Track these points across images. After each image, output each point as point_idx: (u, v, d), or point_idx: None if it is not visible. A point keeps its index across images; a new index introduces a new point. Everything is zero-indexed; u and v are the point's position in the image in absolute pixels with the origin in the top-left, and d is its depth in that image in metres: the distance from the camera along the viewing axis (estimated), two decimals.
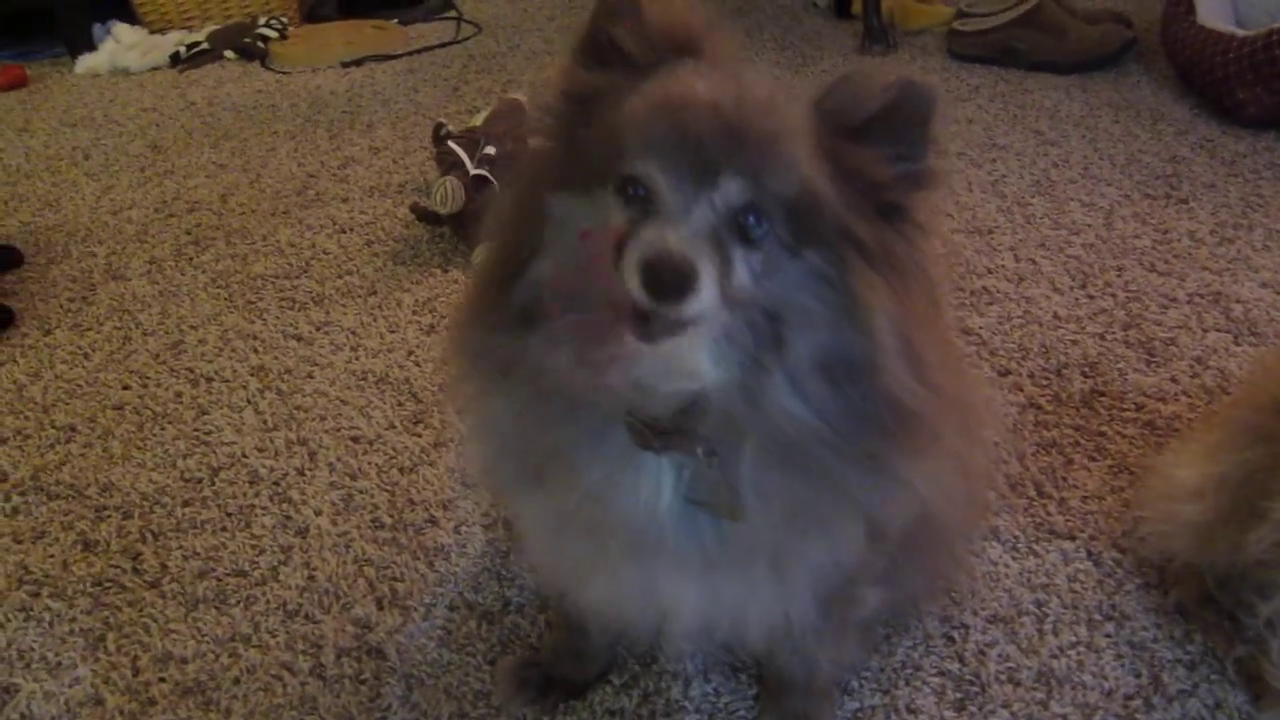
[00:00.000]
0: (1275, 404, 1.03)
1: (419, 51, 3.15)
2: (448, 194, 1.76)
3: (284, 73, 3.04)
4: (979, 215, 1.98)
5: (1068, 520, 1.26)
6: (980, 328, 1.63)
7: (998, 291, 1.72)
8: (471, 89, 2.79)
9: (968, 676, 1.07)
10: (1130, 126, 2.36)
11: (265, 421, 1.47)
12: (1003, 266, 1.80)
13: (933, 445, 0.76)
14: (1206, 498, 1.07)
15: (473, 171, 1.82)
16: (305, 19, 3.52)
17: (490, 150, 1.84)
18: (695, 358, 0.69)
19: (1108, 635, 1.11)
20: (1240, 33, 2.34)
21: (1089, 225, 1.93)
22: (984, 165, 2.18)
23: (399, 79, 2.92)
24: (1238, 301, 1.67)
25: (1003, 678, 1.06)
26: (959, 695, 1.05)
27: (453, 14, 3.48)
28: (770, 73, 0.74)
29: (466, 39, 3.26)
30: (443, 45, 3.21)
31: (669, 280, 0.61)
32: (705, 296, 0.62)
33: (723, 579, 0.81)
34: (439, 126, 2.02)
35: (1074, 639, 1.10)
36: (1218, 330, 1.60)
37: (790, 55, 2.91)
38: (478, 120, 2.09)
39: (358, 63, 3.06)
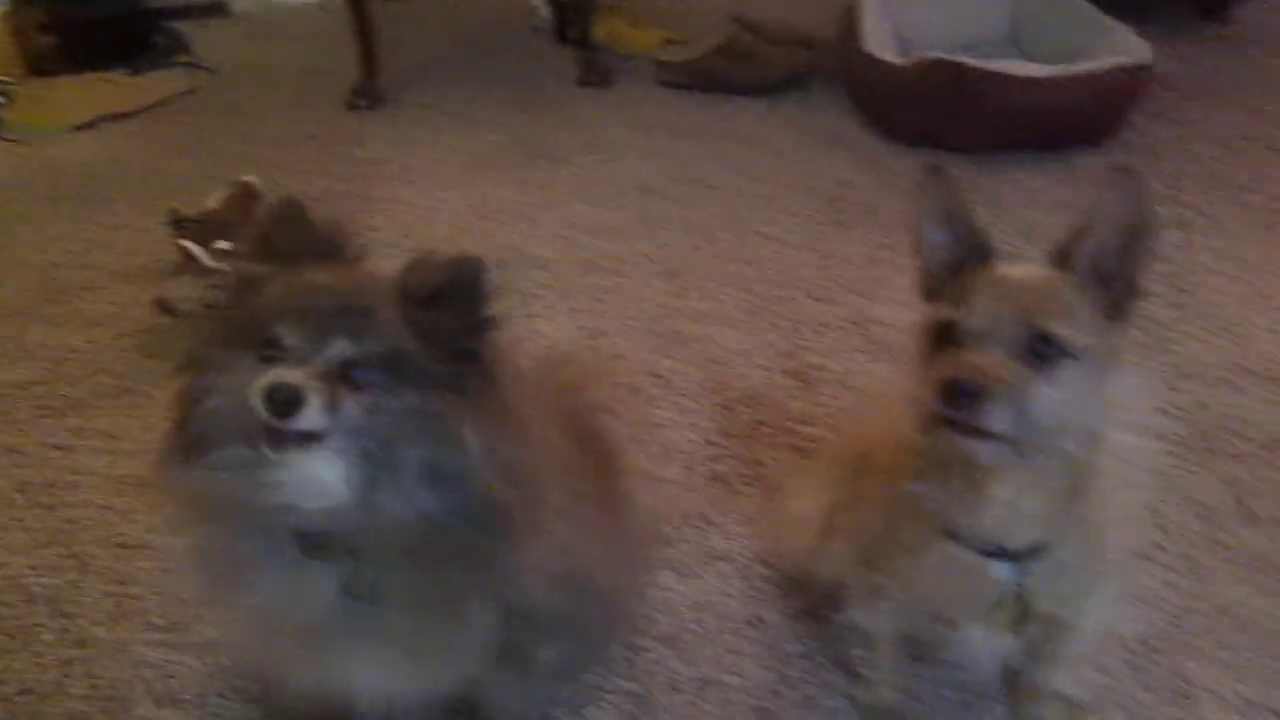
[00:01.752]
0: (850, 459, 1.35)
1: (155, 106, 3.19)
2: (187, 294, 1.92)
3: (16, 140, 3.02)
4: (671, 255, 2.27)
5: (727, 543, 1.57)
6: (667, 370, 1.92)
7: (684, 333, 2.02)
8: (210, 148, 2.89)
9: (640, 691, 1.36)
10: (810, 151, 2.70)
11: (35, 538, 1.62)
12: (690, 307, 2.10)
13: (532, 534, 1.04)
14: (812, 523, 1.39)
15: (210, 265, 1.98)
16: (30, 72, 3.46)
17: (224, 245, 2.01)
18: (326, 479, 0.95)
19: (750, 640, 1.42)
20: (898, 61, 2.71)
21: (765, 257, 2.26)
22: (680, 201, 2.48)
23: (135, 141, 2.97)
24: (877, 322, 2.02)
25: (667, 687, 1.36)
26: (632, 708, 1.34)
27: (186, 59, 3.52)
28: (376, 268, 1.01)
29: (203, 86, 3.32)
30: (179, 96, 3.26)
31: (279, 400, 0.88)
32: (313, 415, 0.89)
33: (380, 658, 1.06)
34: (173, 212, 2.15)
35: (723, 647, 1.41)
36: (860, 352, 1.95)
37: (518, 90, 3.12)
38: (212, 201, 2.23)
39: (91, 124, 3.08)
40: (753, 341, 1.99)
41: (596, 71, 3.13)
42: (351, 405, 0.92)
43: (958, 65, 2.50)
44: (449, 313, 0.97)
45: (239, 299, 0.99)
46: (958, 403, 0.92)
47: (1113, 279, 0.99)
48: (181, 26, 3.71)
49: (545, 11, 3.53)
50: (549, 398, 1.36)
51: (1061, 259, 1.00)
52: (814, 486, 1.43)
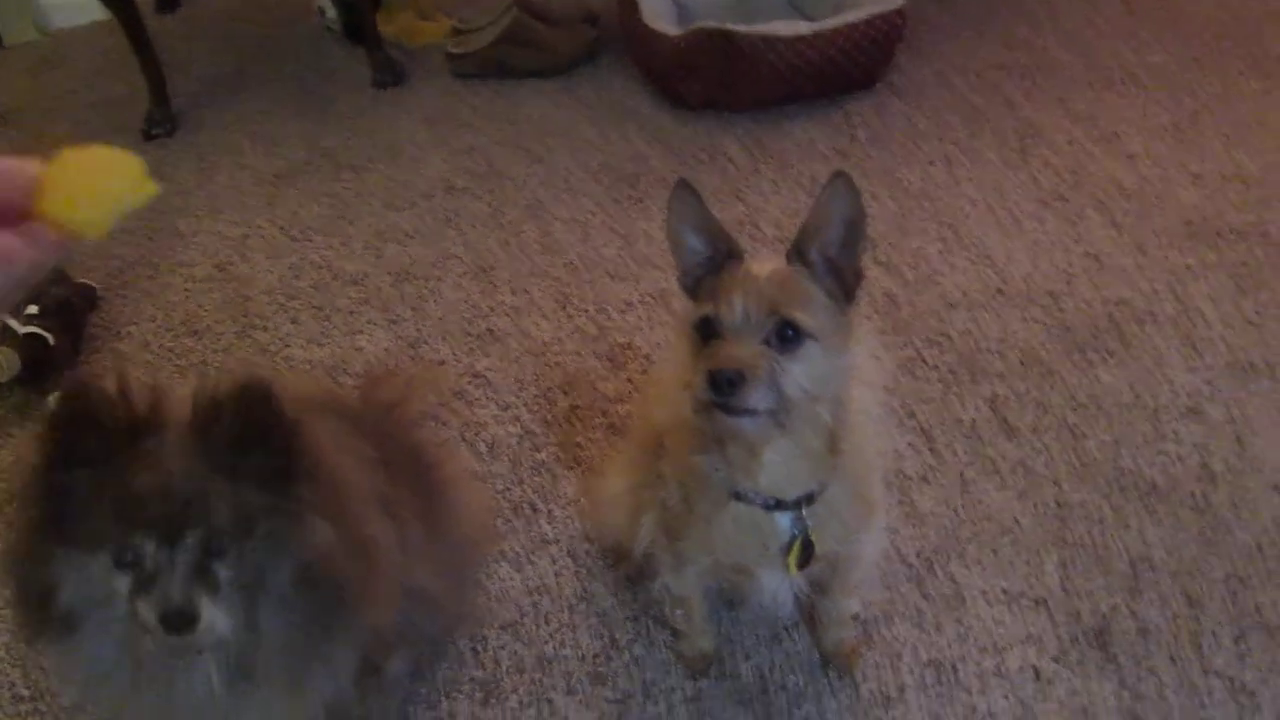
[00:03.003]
0: (645, 440, 1.49)
1: None
2: (1, 364, 1.94)
3: None
4: (481, 253, 2.37)
5: (554, 528, 1.71)
6: (485, 369, 2.04)
7: (499, 330, 2.14)
8: None
9: (488, 678, 1.50)
10: (604, 128, 2.82)
11: None
12: (503, 303, 2.22)
13: (378, 589, 1.16)
14: (622, 502, 1.54)
15: (22, 332, 2.00)
16: None
17: (33, 309, 2.03)
18: (212, 630, 1.03)
19: (582, 614, 1.58)
20: (673, 32, 2.84)
21: (570, 243, 2.38)
22: (485, 197, 2.57)
23: None
24: (677, 294, 2.16)
25: (512, 670, 1.51)
26: (483, 694, 1.48)
27: None
28: None
29: None
30: None
31: (178, 623, 0.99)
32: (206, 619, 1.00)
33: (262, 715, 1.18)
34: None
35: (559, 625, 1.56)
36: (664, 325, 2.10)
37: (314, 99, 3.13)
38: None
39: None
40: (564, 329, 2.12)
41: (390, 70, 3.17)
42: (221, 573, 1.02)
43: (726, 32, 2.65)
44: (259, 448, 1.04)
45: (60, 498, 1.01)
46: (723, 390, 1.06)
47: (841, 268, 1.15)
48: None
49: (333, 12, 3.53)
50: (370, 423, 1.47)
51: (798, 254, 1.15)
52: (623, 467, 1.58)
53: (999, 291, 2.13)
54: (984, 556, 1.60)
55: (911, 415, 1.85)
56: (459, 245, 2.41)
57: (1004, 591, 1.55)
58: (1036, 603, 1.53)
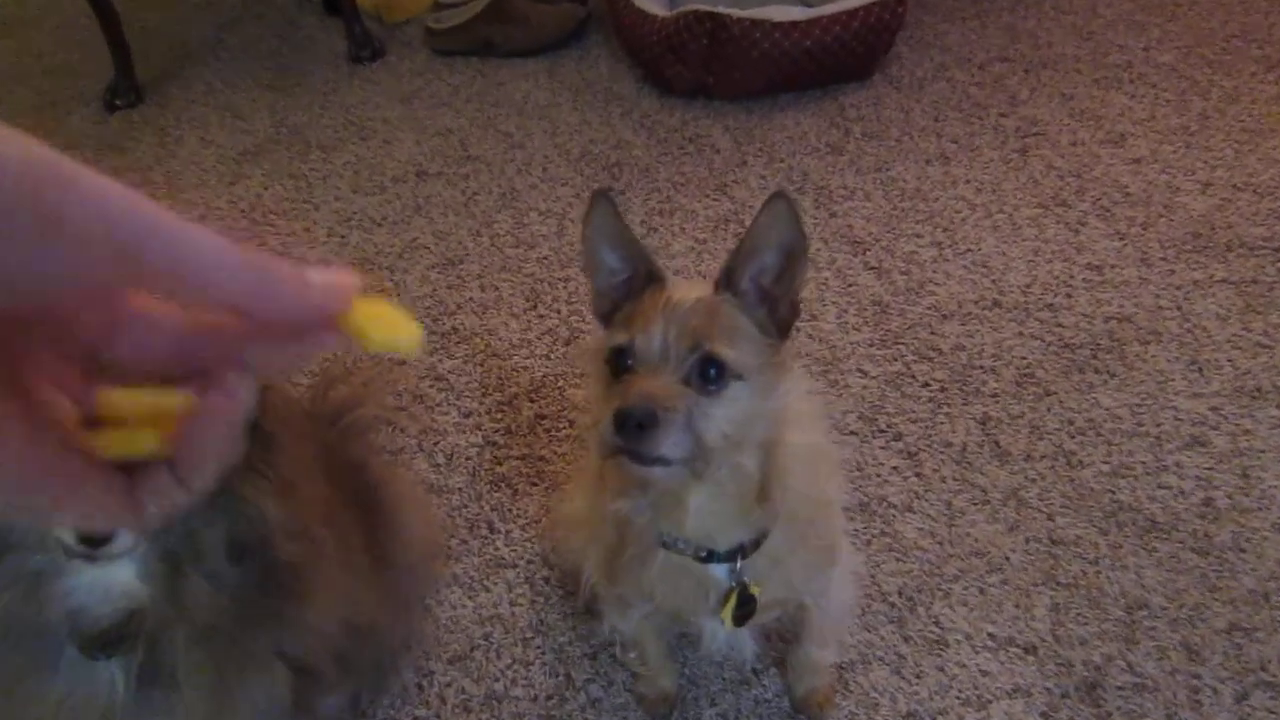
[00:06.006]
0: (595, 471, 1.38)
1: None
2: None
3: None
4: (450, 244, 2.25)
5: (512, 550, 1.60)
6: (449, 372, 1.92)
7: (465, 329, 2.02)
8: None
9: (432, 715, 1.39)
10: (586, 113, 2.69)
11: None
12: (471, 300, 2.09)
13: (318, 587, 1.06)
14: (581, 528, 1.43)
15: None
16: None
17: None
18: (126, 581, 0.94)
19: (537, 648, 1.46)
20: (661, 14, 2.71)
21: (544, 236, 2.26)
22: (457, 184, 2.45)
23: None
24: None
25: (459, 709, 1.40)
26: None
27: None
28: None
29: None
30: None
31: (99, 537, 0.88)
32: (125, 538, 0.89)
33: None
34: None
35: (511, 659, 1.45)
36: None
37: (287, 73, 3.00)
38: None
39: None
40: (533, 330, 2.00)
41: (367, 45, 3.04)
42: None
43: (718, 15, 2.52)
44: None
45: None
46: (630, 434, 0.90)
47: (776, 300, 1.01)
48: None
49: None
50: (315, 432, 1.36)
51: (728, 281, 1.00)
52: (584, 485, 1.46)
53: (995, 303, 2.01)
54: (970, 596, 1.49)
55: (898, 436, 1.73)
56: (428, 234, 2.29)
57: (991, 636, 1.44)
58: (1025, 650, 1.42)
